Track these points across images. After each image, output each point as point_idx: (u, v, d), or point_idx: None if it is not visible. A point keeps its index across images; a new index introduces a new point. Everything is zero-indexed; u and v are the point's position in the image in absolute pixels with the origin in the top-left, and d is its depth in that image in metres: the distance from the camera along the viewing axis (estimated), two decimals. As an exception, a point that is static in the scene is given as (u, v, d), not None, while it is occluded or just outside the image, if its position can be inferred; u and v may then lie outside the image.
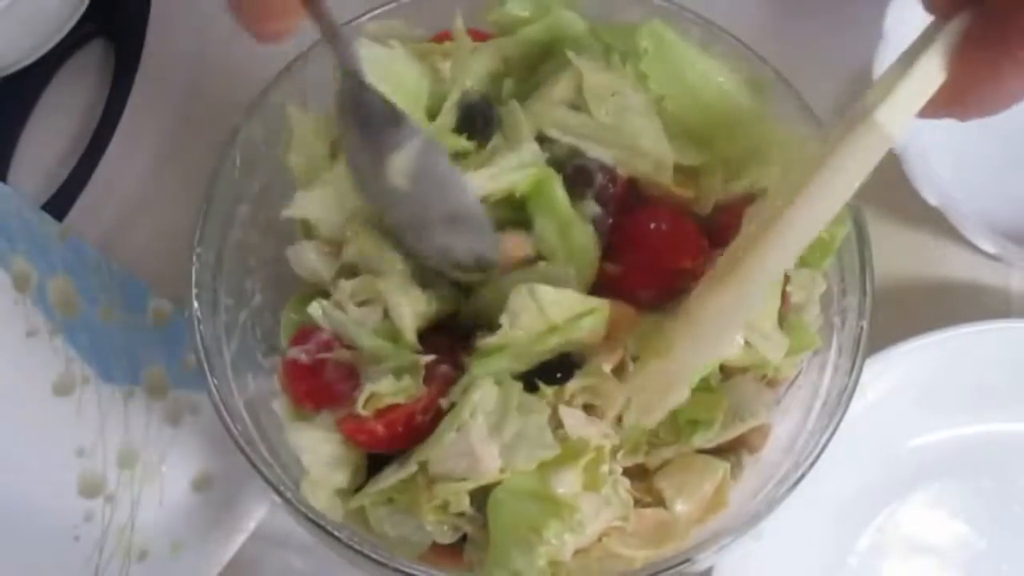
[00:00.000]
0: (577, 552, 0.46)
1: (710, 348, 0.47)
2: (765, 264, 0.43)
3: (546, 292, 0.46)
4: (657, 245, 0.49)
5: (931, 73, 0.39)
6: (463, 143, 0.50)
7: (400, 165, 0.46)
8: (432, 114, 0.51)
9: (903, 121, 0.39)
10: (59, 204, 0.66)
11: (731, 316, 0.45)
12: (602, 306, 0.47)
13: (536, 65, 0.54)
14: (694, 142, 0.51)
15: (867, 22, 0.65)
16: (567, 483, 0.44)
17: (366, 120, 0.46)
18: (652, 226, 0.50)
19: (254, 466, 0.47)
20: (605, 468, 0.46)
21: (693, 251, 0.49)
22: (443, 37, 0.54)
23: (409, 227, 0.48)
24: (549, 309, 0.46)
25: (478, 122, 0.50)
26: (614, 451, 0.47)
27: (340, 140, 0.49)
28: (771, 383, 0.51)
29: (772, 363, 0.50)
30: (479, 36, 0.54)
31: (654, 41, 0.50)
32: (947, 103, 0.39)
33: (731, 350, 0.48)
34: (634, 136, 0.49)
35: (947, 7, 0.38)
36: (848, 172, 0.40)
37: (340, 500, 0.49)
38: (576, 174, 0.49)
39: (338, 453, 0.48)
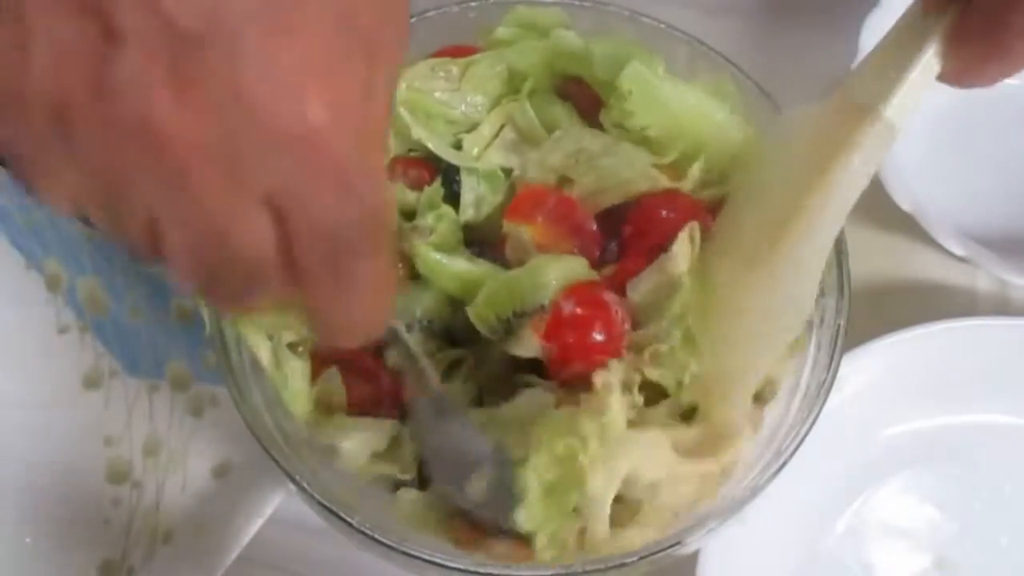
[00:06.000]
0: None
1: (764, 343, 0.47)
2: (802, 251, 0.44)
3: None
4: (673, 225, 0.49)
5: (930, 67, 0.41)
6: None
7: (477, 487, 0.46)
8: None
9: (908, 113, 0.42)
10: (88, 209, 0.66)
11: (782, 302, 0.46)
12: None
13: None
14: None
15: (843, 38, 0.65)
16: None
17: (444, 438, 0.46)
18: (664, 213, 0.50)
19: (270, 455, 0.47)
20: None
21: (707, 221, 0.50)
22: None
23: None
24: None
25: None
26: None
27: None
28: (760, 399, 0.50)
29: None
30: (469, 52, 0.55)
31: (636, 83, 0.50)
32: (942, 80, 0.41)
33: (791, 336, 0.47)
34: (614, 173, 0.50)
35: (941, 1, 0.40)
36: (865, 163, 0.42)
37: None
38: None
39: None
